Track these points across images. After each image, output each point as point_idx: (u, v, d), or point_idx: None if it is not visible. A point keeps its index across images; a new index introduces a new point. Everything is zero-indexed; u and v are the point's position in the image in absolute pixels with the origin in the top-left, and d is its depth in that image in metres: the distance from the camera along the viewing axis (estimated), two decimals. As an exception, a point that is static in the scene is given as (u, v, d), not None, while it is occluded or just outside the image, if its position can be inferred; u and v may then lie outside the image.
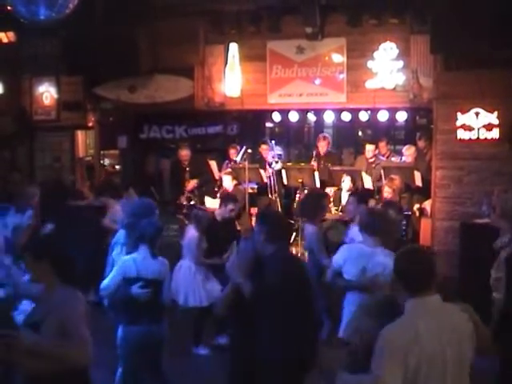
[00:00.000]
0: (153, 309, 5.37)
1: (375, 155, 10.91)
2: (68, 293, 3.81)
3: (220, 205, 8.06)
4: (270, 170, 11.09)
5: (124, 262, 5.52)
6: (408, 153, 10.51)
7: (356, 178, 9.95)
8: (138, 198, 11.43)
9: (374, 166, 10.67)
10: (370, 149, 10.92)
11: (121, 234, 6.17)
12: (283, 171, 10.76)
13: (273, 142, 11.53)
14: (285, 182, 10.84)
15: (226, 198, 8.12)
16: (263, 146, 11.38)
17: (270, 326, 4.10)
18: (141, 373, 5.58)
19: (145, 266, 5.43)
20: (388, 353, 3.13)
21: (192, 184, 10.74)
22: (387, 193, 8.97)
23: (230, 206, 7.84)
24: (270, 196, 10.95)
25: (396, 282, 3.39)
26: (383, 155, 11.17)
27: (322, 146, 11.09)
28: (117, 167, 13.05)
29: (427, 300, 3.28)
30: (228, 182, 10.22)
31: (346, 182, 9.81)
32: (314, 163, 11.05)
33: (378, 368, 3.12)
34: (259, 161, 11.25)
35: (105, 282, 5.49)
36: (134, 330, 5.38)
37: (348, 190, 9.69)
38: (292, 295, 4.15)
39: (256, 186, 10.96)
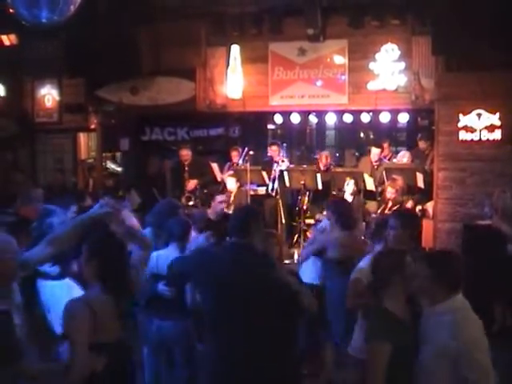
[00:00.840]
0: (177, 306, 5.39)
1: (380, 158, 10.89)
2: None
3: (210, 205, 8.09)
4: (276, 170, 10.98)
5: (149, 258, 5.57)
6: (405, 160, 10.58)
7: (358, 180, 9.92)
8: (141, 201, 11.53)
9: (376, 167, 10.66)
10: (375, 152, 10.85)
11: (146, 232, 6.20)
12: (285, 173, 10.75)
13: (284, 144, 11.49)
14: (287, 183, 10.82)
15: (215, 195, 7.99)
16: (273, 147, 11.32)
17: None
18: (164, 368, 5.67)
19: (165, 264, 5.44)
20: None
21: (192, 184, 10.71)
22: (390, 193, 8.96)
23: (219, 198, 7.79)
24: (277, 197, 10.87)
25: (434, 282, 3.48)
26: (385, 157, 11.17)
27: (324, 164, 10.98)
28: (118, 168, 13.05)
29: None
30: (232, 184, 10.21)
31: (350, 186, 9.75)
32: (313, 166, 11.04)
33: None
34: (268, 162, 11.20)
35: None
36: (159, 325, 5.47)
37: (351, 194, 9.66)
38: None
39: (263, 188, 10.91)
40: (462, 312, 3.50)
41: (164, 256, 5.46)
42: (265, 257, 3.91)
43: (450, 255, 3.79)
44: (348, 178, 9.85)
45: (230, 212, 8.50)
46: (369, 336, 3.51)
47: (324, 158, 11.02)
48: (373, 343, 3.43)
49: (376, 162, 10.79)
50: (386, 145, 11.30)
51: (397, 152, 12.13)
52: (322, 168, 10.92)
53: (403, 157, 10.73)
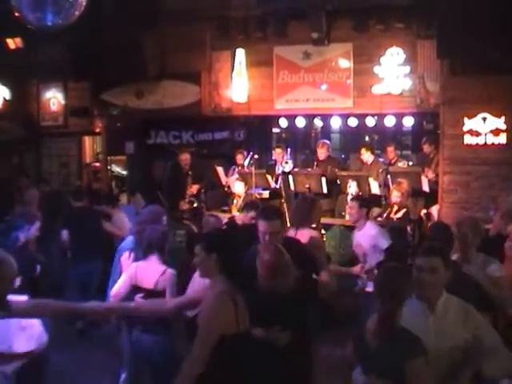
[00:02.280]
0: (155, 320, 5.22)
1: (375, 161, 10.87)
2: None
3: (243, 210, 8.03)
4: (280, 172, 10.95)
5: (130, 269, 5.51)
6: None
7: (362, 184, 9.90)
8: (146, 204, 11.51)
9: (381, 171, 10.61)
10: (365, 153, 10.84)
11: (129, 240, 6.16)
12: (290, 177, 10.73)
13: (288, 149, 11.48)
14: (292, 187, 10.79)
15: (250, 205, 7.93)
16: (277, 150, 11.30)
17: None
18: (144, 379, 5.55)
19: (143, 276, 5.37)
20: None
21: (194, 189, 10.69)
22: (396, 197, 8.92)
23: (251, 214, 7.76)
24: (281, 200, 10.85)
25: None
26: (390, 160, 11.14)
27: (322, 153, 11.02)
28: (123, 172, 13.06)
29: None
30: (240, 188, 10.17)
31: (352, 188, 9.76)
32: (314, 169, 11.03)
33: None
34: (272, 166, 11.19)
35: (114, 289, 5.45)
36: (138, 338, 5.34)
37: (354, 196, 9.64)
38: None
39: (267, 192, 10.89)
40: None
41: (143, 267, 5.41)
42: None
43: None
44: (350, 181, 9.83)
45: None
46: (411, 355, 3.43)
47: (321, 146, 11.02)
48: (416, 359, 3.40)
49: (371, 163, 10.75)
50: (390, 149, 11.25)
51: (402, 156, 12.08)
52: (319, 159, 10.93)
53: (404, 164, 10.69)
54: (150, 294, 5.27)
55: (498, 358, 3.59)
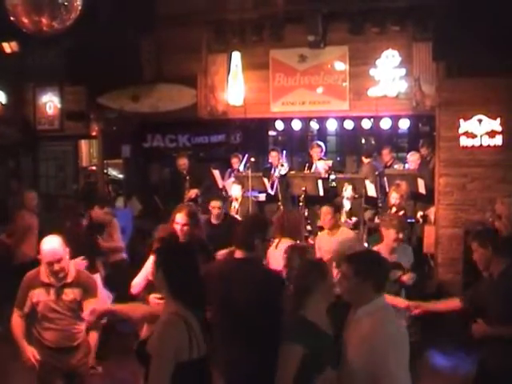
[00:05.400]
0: None
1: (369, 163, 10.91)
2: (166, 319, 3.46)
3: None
4: (276, 176, 10.97)
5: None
6: (412, 159, 10.53)
7: (358, 186, 9.90)
8: (142, 208, 11.51)
9: (376, 174, 10.63)
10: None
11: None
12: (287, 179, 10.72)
13: (284, 152, 11.50)
14: (289, 190, 10.79)
15: None
16: (272, 153, 11.33)
17: None
18: None
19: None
20: None
21: (193, 193, 10.67)
22: (395, 199, 8.94)
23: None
24: (278, 204, 10.85)
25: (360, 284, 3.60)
26: (386, 163, 11.16)
27: (316, 153, 11.06)
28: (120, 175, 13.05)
29: None
30: (237, 191, 10.18)
31: (348, 191, 9.76)
32: (306, 171, 11.06)
33: None
34: (269, 169, 11.19)
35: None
36: None
37: (349, 199, 9.64)
38: None
39: (264, 195, 10.89)
40: (385, 311, 3.61)
41: None
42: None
43: (377, 256, 3.89)
44: (346, 184, 9.84)
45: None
46: (284, 338, 3.61)
47: (316, 147, 11.23)
48: (286, 344, 3.55)
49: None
50: (385, 151, 11.28)
51: (398, 158, 12.10)
52: (313, 161, 10.97)
53: (413, 155, 10.66)
54: None
55: None
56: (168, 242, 4.29)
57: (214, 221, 8.49)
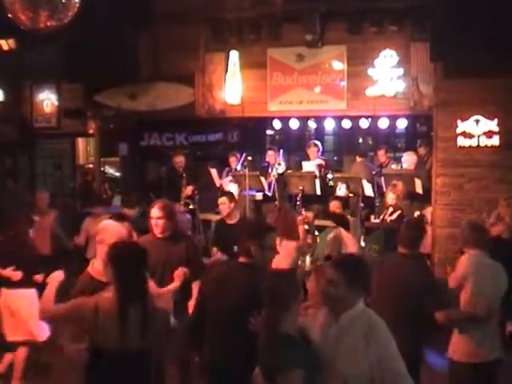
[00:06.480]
0: None
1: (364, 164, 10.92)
2: None
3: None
4: (273, 175, 10.95)
5: None
6: (409, 158, 10.50)
7: (354, 186, 9.89)
8: (140, 206, 11.47)
9: (374, 173, 10.63)
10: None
11: None
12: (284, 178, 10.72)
13: (281, 151, 11.49)
14: (286, 189, 10.79)
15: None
16: (269, 153, 11.31)
17: None
18: None
19: None
20: None
21: (188, 191, 10.65)
22: (391, 199, 8.94)
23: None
24: (275, 202, 10.84)
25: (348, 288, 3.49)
26: (381, 164, 11.15)
27: (313, 152, 11.05)
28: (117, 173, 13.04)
29: None
30: (234, 190, 10.16)
31: (342, 190, 9.76)
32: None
33: None
34: (266, 168, 11.18)
35: None
36: None
37: (342, 197, 9.62)
38: None
39: (261, 193, 10.88)
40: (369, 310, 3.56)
41: None
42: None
43: (362, 260, 3.81)
44: (340, 183, 9.83)
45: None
46: (284, 364, 3.36)
47: (313, 146, 11.15)
48: (286, 372, 3.32)
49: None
50: (381, 152, 11.25)
51: (395, 158, 12.11)
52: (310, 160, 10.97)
53: (409, 155, 10.64)
54: None
55: None
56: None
57: (228, 221, 8.14)
